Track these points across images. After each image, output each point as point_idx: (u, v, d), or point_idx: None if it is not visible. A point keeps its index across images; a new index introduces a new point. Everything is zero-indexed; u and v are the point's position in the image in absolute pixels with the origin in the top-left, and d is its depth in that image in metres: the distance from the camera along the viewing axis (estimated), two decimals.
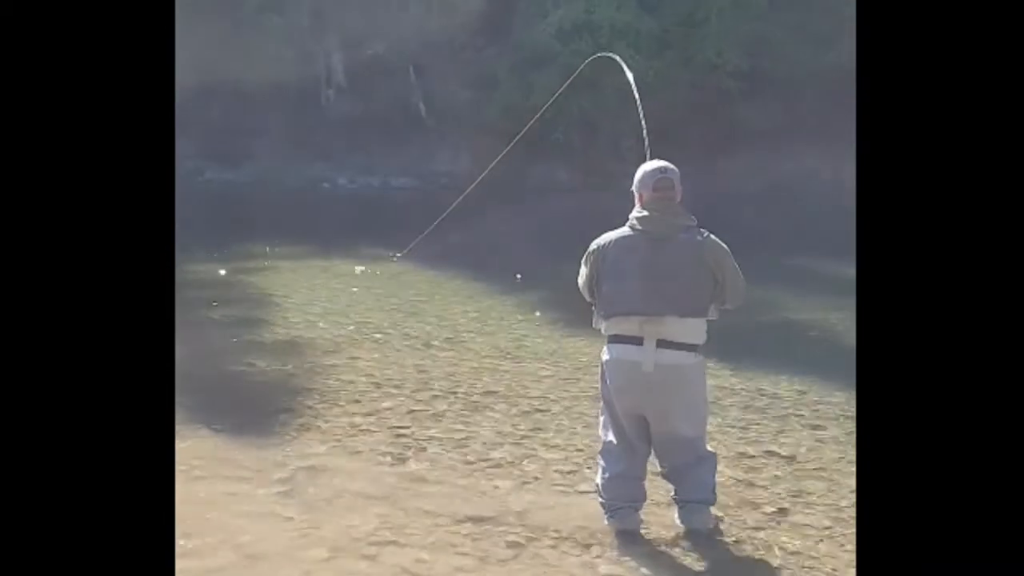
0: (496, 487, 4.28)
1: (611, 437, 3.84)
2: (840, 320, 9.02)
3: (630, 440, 3.80)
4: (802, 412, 5.69)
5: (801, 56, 25.09)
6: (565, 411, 5.52)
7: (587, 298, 3.97)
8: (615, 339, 3.79)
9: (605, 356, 3.84)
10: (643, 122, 4.50)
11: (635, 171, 3.90)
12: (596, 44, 23.37)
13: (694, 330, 3.71)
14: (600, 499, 3.87)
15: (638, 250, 3.73)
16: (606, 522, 3.83)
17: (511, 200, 15.19)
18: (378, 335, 7.44)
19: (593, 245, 3.86)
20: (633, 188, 3.88)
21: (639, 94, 4.66)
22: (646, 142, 4.39)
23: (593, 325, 3.94)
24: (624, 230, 3.80)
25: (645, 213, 3.76)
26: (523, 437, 5.00)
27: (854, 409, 5.79)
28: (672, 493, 3.86)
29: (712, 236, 3.76)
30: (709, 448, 3.92)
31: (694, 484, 3.79)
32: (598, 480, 3.89)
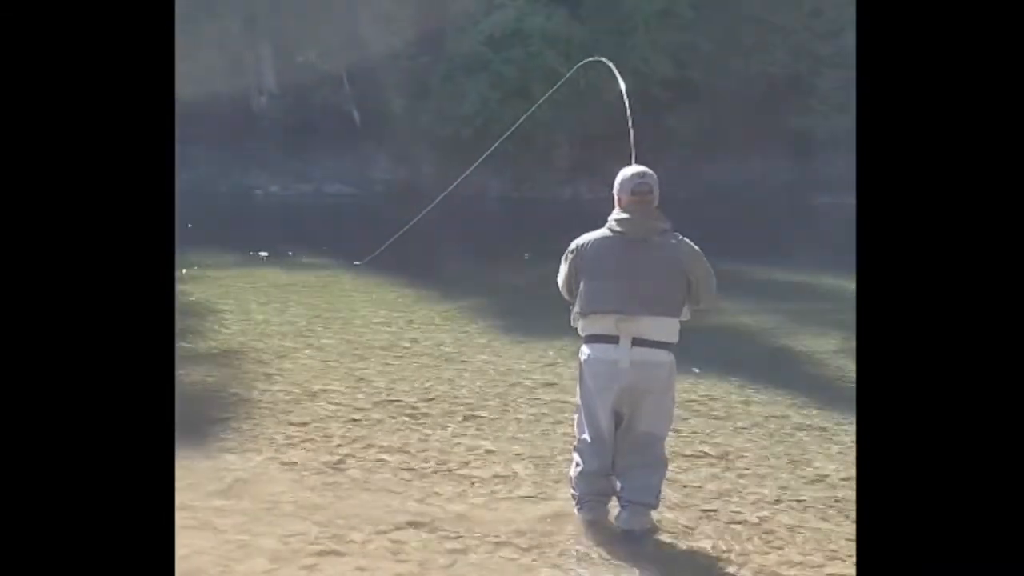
0: (436, 493, 4.31)
1: (586, 435, 3.95)
2: (772, 322, 9.26)
3: (604, 438, 3.90)
4: (733, 412, 5.83)
5: (728, 65, 25.63)
6: (503, 416, 5.56)
7: (566, 296, 4.09)
8: (591, 339, 3.92)
9: (583, 356, 3.96)
10: (631, 128, 4.58)
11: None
12: (527, 52, 23.58)
13: (668, 329, 3.86)
14: (572, 491, 4.02)
15: (615, 251, 3.86)
16: (576, 512, 3.98)
17: (444, 208, 15.20)
18: (313, 343, 7.39)
19: (573, 244, 3.99)
20: (613, 191, 4.00)
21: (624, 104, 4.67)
22: (632, 150, 4.48)
23: (571, 324, 4.05)
24: (603, 231, 3.94)
25: (623, 215, 3.89)
26: (461, 443, 5.03)
27: (783, 408, 5.97)
28: (617, 489, 3.94)
29: (686, 239, 3.92)
30: (666, 452, 4.03)
31: (642, 486, 3.88)
32: (572, 474, 4.03)
